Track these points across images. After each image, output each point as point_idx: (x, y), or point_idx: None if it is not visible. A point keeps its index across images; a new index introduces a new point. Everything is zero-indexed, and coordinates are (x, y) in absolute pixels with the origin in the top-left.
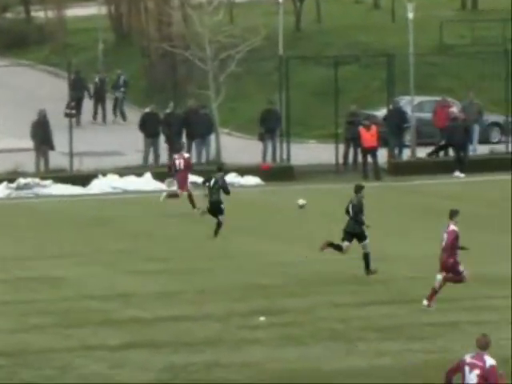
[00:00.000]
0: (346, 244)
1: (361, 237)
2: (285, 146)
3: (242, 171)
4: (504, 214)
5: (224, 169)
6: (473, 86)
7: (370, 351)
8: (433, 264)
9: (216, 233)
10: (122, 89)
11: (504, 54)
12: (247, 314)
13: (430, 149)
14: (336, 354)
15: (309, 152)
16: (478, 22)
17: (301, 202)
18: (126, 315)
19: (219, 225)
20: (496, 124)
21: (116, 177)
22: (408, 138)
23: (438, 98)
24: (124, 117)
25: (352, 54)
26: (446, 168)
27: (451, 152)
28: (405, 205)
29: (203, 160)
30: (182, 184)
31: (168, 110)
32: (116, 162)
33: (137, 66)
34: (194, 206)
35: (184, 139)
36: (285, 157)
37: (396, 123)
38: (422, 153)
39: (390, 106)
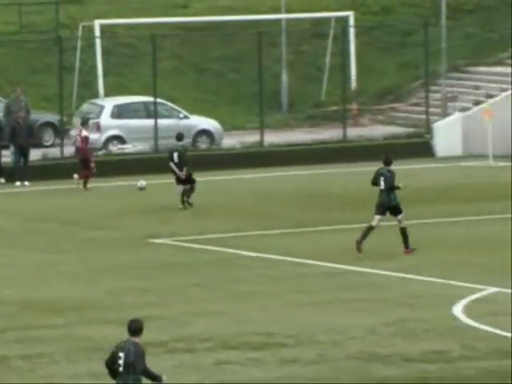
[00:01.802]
0: (376, 218)
1: (397, 210)
2: None
3: None
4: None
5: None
6: (21, 80)
7: None
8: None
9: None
10: None
11: (56, 42)
12: None
13: None
14: None
15: None
16: (27, 6)
17: (141, 183)
18: None
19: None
20: (49, 124)
21: None
22: None
23: None
24: None
25: None
26: None
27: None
28: None
29: None
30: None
31: None
32: None
33: None
34: (85, 186)
35: None
36: None
37: None
38: None
39: None
